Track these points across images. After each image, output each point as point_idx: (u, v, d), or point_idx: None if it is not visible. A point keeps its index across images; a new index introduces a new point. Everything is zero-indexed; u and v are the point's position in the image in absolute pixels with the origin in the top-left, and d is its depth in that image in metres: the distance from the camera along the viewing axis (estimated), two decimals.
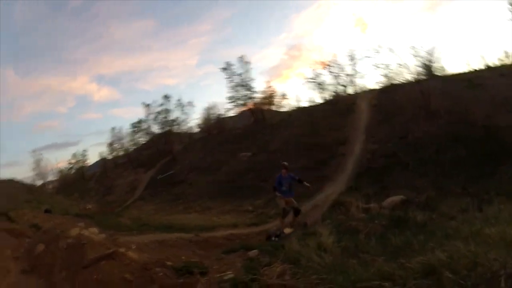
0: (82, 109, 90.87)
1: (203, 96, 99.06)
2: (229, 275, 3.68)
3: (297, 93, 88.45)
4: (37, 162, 43.90)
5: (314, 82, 30.05)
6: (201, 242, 9.13)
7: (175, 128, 39.66)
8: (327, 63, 29.21)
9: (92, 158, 50.18)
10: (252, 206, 18.99)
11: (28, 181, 41.16)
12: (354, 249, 5.32)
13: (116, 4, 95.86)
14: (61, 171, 48.31)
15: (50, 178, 46.74)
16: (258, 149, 27.28)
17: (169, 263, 4.05)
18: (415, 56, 21.35)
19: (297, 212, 8.92)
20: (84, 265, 3.91)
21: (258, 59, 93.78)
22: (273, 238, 8.47)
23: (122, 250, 4.13)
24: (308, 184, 8.89)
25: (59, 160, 69.96)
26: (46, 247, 4.39)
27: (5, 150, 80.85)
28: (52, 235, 4.69)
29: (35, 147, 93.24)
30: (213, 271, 4.02)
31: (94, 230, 4.93)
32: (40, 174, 44.33)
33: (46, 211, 15.37)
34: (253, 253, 5.35)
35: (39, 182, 43.48)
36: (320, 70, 29.71)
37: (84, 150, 48.32)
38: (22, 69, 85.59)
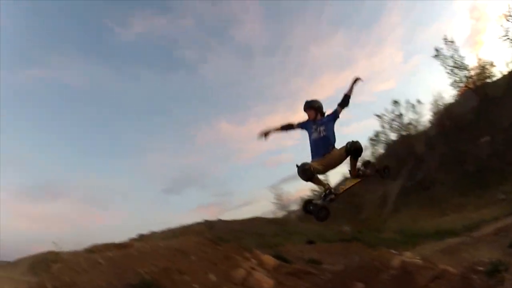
0: None
1: (418, 91, 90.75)
2: None
3: (500, 56, 70.80)
4: (278, 195, 47.61)
5: (508, 38, 26.65)
6: (475, 243, 8.57)
7: (412, 131, 37.11)
8: (508, 14, 25.96)
9: (333, 180, 50.89)
10: (503, 193, 18.49)
11: (269, 215, 45.70)
12: None
13: (303, 30, 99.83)
14: (302, 199, 50.86)
15: (292, 208, 50.06)
16: (493, 129, 25.46)
17: (479, 267, 3.87)
18: None
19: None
20: None
21: (449, 32, 79.26)
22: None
23: (443, 267, 3.94)
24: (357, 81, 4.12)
25: (299, 190, 75.93)
26: (365, 283, 3.99)
27: (239, 191, 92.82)
28: (371, 269, 4.21)
29: (270, 183, 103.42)
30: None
31: (410, 254, 4.55)
32: (282, 206, 47.92)
33: (309, 242, 14.97)
34: None
35: (280, 214, 47.18)
36: (506, 24, 26.35)
37: (326, 175, 49.71)
38: (237, 118, 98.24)
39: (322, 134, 4.43)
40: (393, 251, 4.86)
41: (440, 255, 7.40)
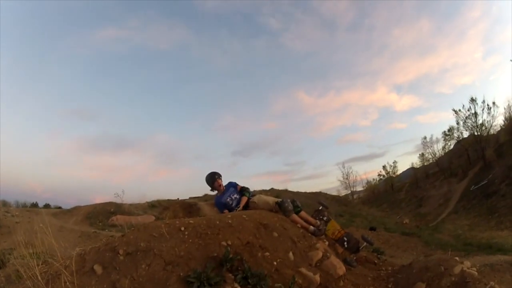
0: (386, 120, 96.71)
1: (495, 92, 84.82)
2: None
3: None
4: (345, 174, 48.45)
5: None
6: None
7: (484, 132, 35.31)
8: None
9: (400, 168, 51.03)
10: None
11: (332, 192, 46.40)
12: None
13: (387, 11, 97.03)
14: (368, 182, 51.20)
15: (356, 189, 50.32)
16: None
17: None
18: None
19: None
20: None
21: None
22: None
23: (493, 284, 3.65)
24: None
25: (366, 172, 76.68)
26: (427, 285, 3.98)
27: (309, 163, 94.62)
28: (436, 272, 4.12)
29: (340, 160, 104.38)
30: None
31: (468, 263, 4.24)
32: (346, 185, 48.54)
33: (371, 228, 15.29)
34: None
35: (343, 193, 47.72)
36: None
37: (394, 162, 49.78)
38: (316, 90, 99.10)
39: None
40: (457, 258, 4.48)
41: (489, 271, 7.56)
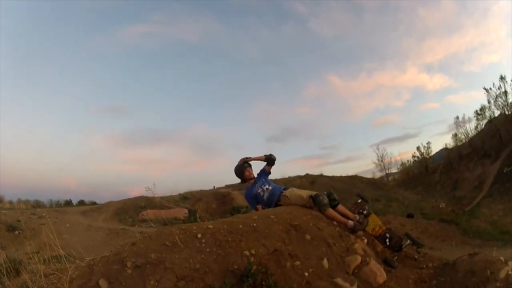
0: (418, 101, 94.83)
1: None
2: None
3: None
4: (380, 156, 47.58)
5: None
6: None
7: None
8: None
9: (434, 149, 49.65)
10: None
11: (367, 174, 45.60)
12: None
13: None
14: (403, 164, 50.03)
15: (391, 171, 49.29)
16: None
17: None
18: None
19: None
20: None
21: None
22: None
23: None
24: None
25: (400, 153, 75.91)
26: None
27: (344, 146, 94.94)
28: (482, 277, 3.59)
29: (375, 141, 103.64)
30: None
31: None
32: (381, 168, 47.65)
33: (409, 215, 14.46)
34: None
35: (378, 175, 46.82)
36: None
37: (428, 142, 48.18)
38: (347, 73, 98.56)
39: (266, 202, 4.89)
40: (502, 259, 4.01)
41: None
